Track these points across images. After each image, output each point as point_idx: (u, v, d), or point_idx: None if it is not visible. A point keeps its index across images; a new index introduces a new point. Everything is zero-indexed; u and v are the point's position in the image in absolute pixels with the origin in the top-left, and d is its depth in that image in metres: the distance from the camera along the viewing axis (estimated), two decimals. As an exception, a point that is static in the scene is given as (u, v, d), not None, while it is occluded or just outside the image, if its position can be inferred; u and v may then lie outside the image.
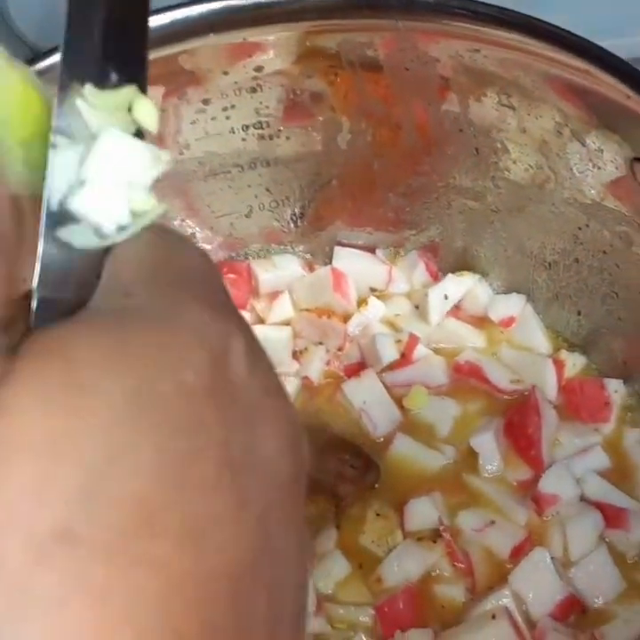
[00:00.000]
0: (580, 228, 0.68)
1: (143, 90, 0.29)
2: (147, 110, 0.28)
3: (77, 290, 0.26)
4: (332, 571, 0.63)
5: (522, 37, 0.59)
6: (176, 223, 0.77)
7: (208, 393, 0.22)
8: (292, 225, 0.79)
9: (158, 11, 0.61)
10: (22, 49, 0.76)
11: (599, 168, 0.64)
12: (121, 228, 0.27)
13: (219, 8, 0.62)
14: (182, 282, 0.25)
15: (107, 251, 0.27)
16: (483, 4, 0.59)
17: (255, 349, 0.24)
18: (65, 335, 0.22)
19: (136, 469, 0.20)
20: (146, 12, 0.28)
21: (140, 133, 0.29)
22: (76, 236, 0.27)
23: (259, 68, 0.68)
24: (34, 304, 0.27)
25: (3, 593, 0.19)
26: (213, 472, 0.22)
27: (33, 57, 0.60)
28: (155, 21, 0.61)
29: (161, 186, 0.76)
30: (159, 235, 0.26)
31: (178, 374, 0.22)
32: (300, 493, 0.25)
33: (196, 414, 0.22)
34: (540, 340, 0.73)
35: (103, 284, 0.25)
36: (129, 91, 0.28)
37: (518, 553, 0.62)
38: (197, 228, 0.78)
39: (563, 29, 0.58)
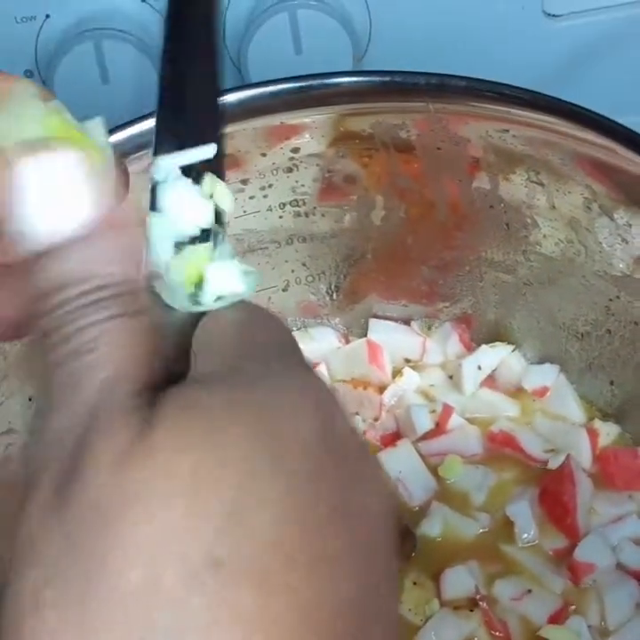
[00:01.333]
0: (610, 300, 0.70)
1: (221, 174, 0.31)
2: (224, 193, 0.31)
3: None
4: (371, 640, 0.64)
5: (549, 118, 0.62)
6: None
7: (322, 446, 0.24)
8: (327, 298, 0.81)
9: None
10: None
11: (628, 242, 0.66)
12: (217, 299, 0.28)
13: (256, 94, 0.65)
14: (278, 353, 0.26)
15: (195, 320, 0.28)
16: (511, 86, 0.61)
17: (346, 412, 0.26)
18: (198, 390, 0.24)
19: (274, 505, 0.22)
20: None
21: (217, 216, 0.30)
22: (173, 298, 0.29)
23: (295, 150, 0.70)
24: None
25: (158, 613, 0.21)
26: (326, 513, 0.23)
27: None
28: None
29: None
30: (244, 308, 0.28)
31: (300, 431, 0.24)
32: (394, 545, 0.26)
33: (316, 464, 0.24)
34: (574, 410, 0.74)
35: (202, 352, 0.27)
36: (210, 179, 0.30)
37: (555, 621, 0.63)
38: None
39: (590, 110, 0.61)
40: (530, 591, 0.64)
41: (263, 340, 0.27)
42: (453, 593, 0.65)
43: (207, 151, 0.32)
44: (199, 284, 0.29)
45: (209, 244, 0.30)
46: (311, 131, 0.69)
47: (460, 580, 0.65)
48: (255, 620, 0.21)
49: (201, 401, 0.23)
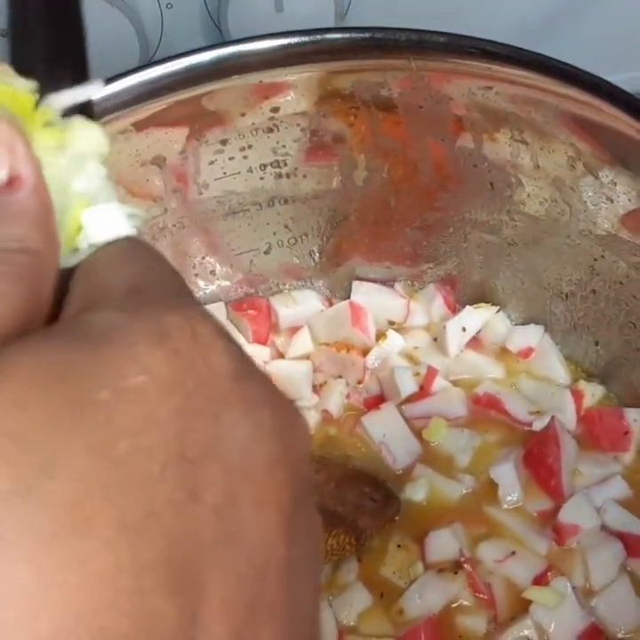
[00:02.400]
0: (595, 260, 0.69)
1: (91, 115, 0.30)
2: (97, 134, 0.29)
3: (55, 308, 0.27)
4: (354, 602, 0.64)
5: (532, 74, 0.61)
6: (197, 260, 0.78)
7: (164, 390, 0.22)
8: (310, 261, 0.80)
9: (176, 56, 0.63)
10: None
11: (613, 201, 0.65)
12: (92, 244, 0.28)
13: (234, 52, 0.64)
14: (140, 289, 0.25)
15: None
16: (492, 42, 0.60)
17: (223, 337, 0.24)
18: (13, 360, 0.23)
19: (67, 473, 0.21)
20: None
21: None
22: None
23: (275, 109, 0.69)
24: None
25: None
26: (158, 468, 0.22)
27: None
28: (173, 66, 0.63)
29: (182, 224, 0.78)
30: (117, 247, 0.27)
31: (121, 380, 0.22)
32: (289, 477, 0.24)
33: (143, 414, 0.22)
34: (559, 371, 0.74)
35: (67, 299, 0.26)
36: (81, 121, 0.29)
37: (539, 583, 0.63)
38: (218, 265, 0.79)
39: (573, 66, 0.59)
40: (514, 553, 0.64)
41: (122, 274, 0.26)
42: (437, 555, 0.65)
43: (94, 89, 0.31)
44: (79, 233, 0.28)
45: (83, 191, 0.29)
46: (291, 89, 0.68)
47: (444, 543, 0.65)
48: (34, 594, 0.20)
49: (5, 366, 0.22)
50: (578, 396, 0.71)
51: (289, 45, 0.62)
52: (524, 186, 0.69)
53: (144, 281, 0.26)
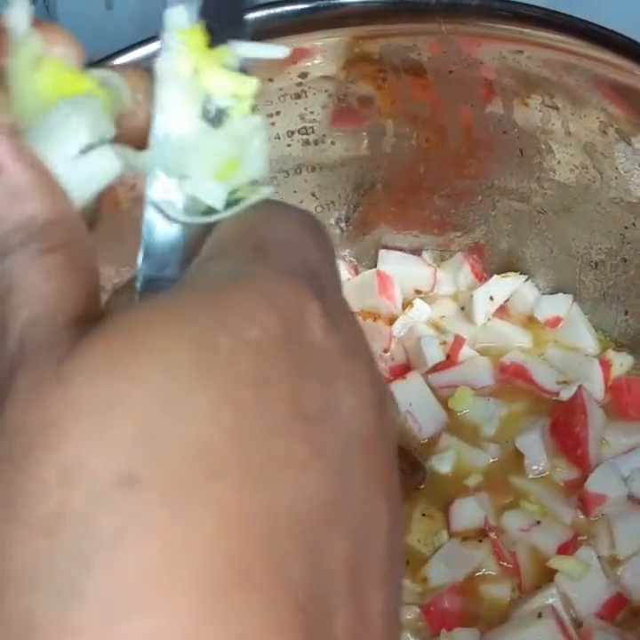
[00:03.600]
0: (626, 228, 0.68)
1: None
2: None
3: (181, 269, 0.27)
4: (379, 570, 0.64)
5: (565, 38, 0.60)
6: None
7: (277, 350, 0.23)
8: (337, 229, 0.80)
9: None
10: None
11: (644, 167, 0.64)
12: (229, 205, 0.27)
13: (262, 16, 0.63)
14: (265, 251, 0.25)
15: (212, 226, 0.27)
16: (525, 5, 0.59)
17: (335, 314, 0.24)
18: (132, 310, 0.23)
19: (194, 416, 0.21)
20: None
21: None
22: (182, 212, 0.27)
23: (303, 75, 0.69)
24: (138, 284, 0.27)
25: (66, 537, 0.20)
26: (281, 420, 0.22)
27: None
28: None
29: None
30: (260, 208, 0.27)
31: (240, 331, 0.22)
32: (385, 454, 0.25)
33: (262, 367, 0.22)
34: (587, 340, 0.73)
35: (196, 259, 0.26)
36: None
37: (565, 552, 0.62)
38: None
39: (606, 29, 0.59)
40: (539, 522, 0.64)
41: (251, 234, 0.25)
42: (462, 524, 0.65)
43: (280, 52, 0.30)
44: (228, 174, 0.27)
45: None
46: (319, 54, 0.67)
47: (469, 512, 0.65)
48: (173, 533, 0.20)
49: (127, 319, 0.22)
50: (606, 365, 0.70)
51: (317, 9, 0.62)
52: (555, 153, 0.68)
53: (273, 244, 0.25)
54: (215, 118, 0.28)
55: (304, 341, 0.23)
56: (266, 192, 0.27)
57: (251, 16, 0.64)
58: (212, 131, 0.28)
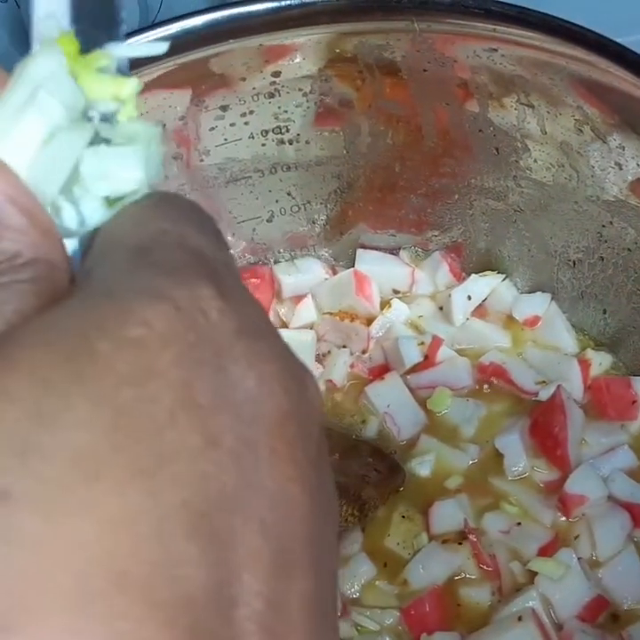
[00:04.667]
0: (603, 226, 0.68)
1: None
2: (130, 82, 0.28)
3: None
4: (358, 573, 0.63)
5: (539, 35, 0.59)
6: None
7: (164, 342, 0.22)
8: (314, 229, 0.79)
9: (173, 19, 0.61)
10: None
11: (621, 166, 0.63)
12: (107, 210, 0.26)
13: (234, 14, 0.62)
14: (147, 249, 0.25)
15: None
16: (498, 2, 0.59)
17: (231, 294, 0.24)
18: (9, 334, 0.23)
19: (70, 424, 0.21)
20: None
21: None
22: (66, 220, 0.27)
23: (276, 74, 0.68)
24: None
25: None
26: (168, 413, 0.21)
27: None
28: (170, 29, 0.61)
29: (183, 191, 0.76)
30: (139, 204, 0.26)
31: (121, 332, 0.22)
32: (301, 435, 0.24)
33: (144, 363, 0.22)
34: (566, 339, 0.73)
35: (80, 267, 0.26)
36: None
37: (545, 554, 0.62)
38: (227, 233, 0.78)
39: (580, 26, 0.58)
40: (519, 524, 0.64)
41: (129, 234, 0.25)
42: (442, 526, 0.64)
43: (158, 48, 0.29)
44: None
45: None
46: (292, 53, 0.66)
47: (448, 514, 0.65)
48: (47, 544, 0.20)
49: (1, 341, 0.22)
50: (585, 364, 0.70)
51: (289, 7, 0.61)
52: (531, 151, 0.68)
53: (158, 241, 0.25)
54: (102, 124, 0.27)
55: (198, 328, 0.23)
56: (141, 191, 0.26)
57: (222, 14, 0.63)
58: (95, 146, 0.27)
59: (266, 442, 0.23)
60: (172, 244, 0.25)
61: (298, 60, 0.66)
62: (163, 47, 0.29)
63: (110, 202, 0.27)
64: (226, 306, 0.23)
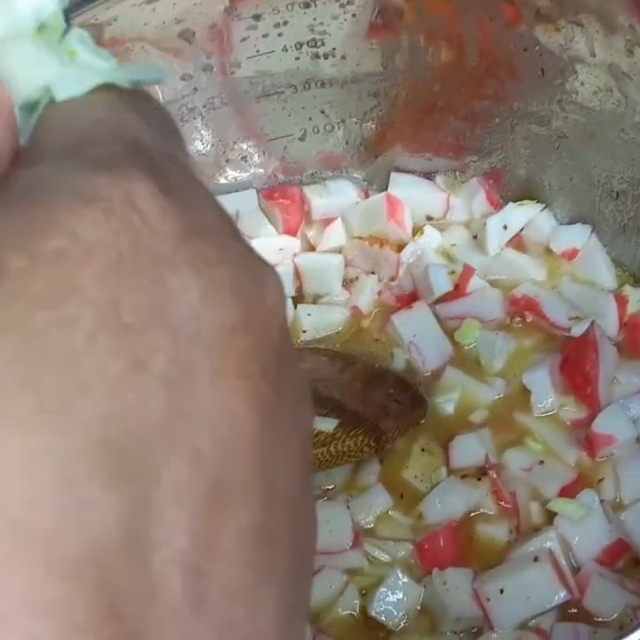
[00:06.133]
0: (650, 156, 0.64)
1: None
2: None
3: None
4: (373, 504, 0.62)
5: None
6: (228, 145, 0.75)
7: (89, 252, 0.20)
8: (348, 149, 0.76)
9: None
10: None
11: (672, 91, 0.60)
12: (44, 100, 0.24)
13: None
14: (80, 144, 0.22)
15: None
16: None
17: (174, 191, 0.21)
18: None
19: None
20: None
21: None
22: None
23: (310, -19, 0.65)
24: None
25: None
26: (86, 338, 0.19)
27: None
28: None
29: (213, 105, 0.74)
30: (77, 99, 0.24)
31: (37, 245, 0.20)
32: (260, 352, 0.21)
33: (63, 280, 0.19)
34: (605, 274, 0.69)
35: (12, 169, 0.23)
36: None
37: (567, 495, 0.60)
38: (250, 151, 0.76)
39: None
40: (542, 462, 0.61)
41: (77, 128, 0.22)
42: (462, 461, 0.62)
43: None
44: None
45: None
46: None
47: (470, 448, 0.63)
48: None
49: None
50: (622, 301, 0.67)
51: None
52: (578, 73, 0.64)
53: (92, 133, 0.22)
54: None
55: (132, 233, 0.20)
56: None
57: None
58: None
59: (210, 359, 0.21)
60: (109, 135, 0.22)
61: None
62: None
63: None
64: (169, 205, 0.21)
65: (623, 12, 0.58)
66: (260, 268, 0.22)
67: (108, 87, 0.24)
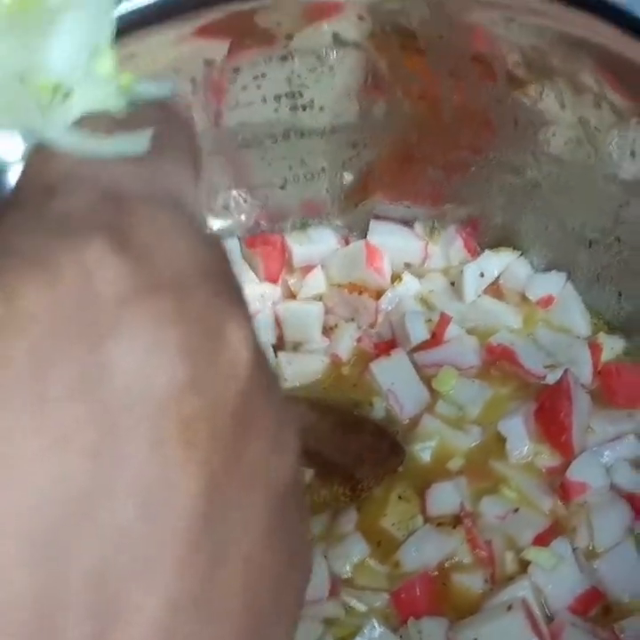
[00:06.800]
0: (620, 206, 0.65)
1: None
2: None
3: None
4: (351, 553, 0.62)
5: (556, 5, 0.56)
6: (211, 193, 0.76)
7: (23, 322, 0.20)
8: (328, 198, 0.77)
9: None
10: None
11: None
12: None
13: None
14: (50, 190, 0.22)
15: None
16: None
17: (134, 244, 0.21)
18: None
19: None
20: None
21: None
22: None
23: (288, 37, 0.66)
24: None
25: None
26: (7, 416, 0.19)
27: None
28: None
29: (205, 154, 0.75)
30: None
31: None
32: (204, 404, 0.21)
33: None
34: (579, 322, 0.70)
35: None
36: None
37: (541, 542, 0.60)
38: (232, 200, 0.77)
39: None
40: (516, 510, 0.62)
41: (55, 173, 0.22)
42: (438, 509, 0.63)
43: None
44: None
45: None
46: (303, 15, 0.64)
47: (445, 496, 0.63)
48: None
49: None
50: (596, 348, 0.68)
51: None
52: (549, 125, 0.65)
53: (66, 181, 0.22)
54: None
55: (76, 299, 0.20)
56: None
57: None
58: None
59: (149, 427, 0.20)
60: (81, 182, 0.22)
61: (303, 23, 0.64)
62: None
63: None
64: (123, 263, 0.21)
65: (589, 67, 0.59)
66: (222, 323, 0.22)
67: (97, 119, 0.24)
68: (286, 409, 0.24)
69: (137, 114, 0.25)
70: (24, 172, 0.24)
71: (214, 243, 0.23)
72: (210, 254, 0.22)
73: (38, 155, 0.24)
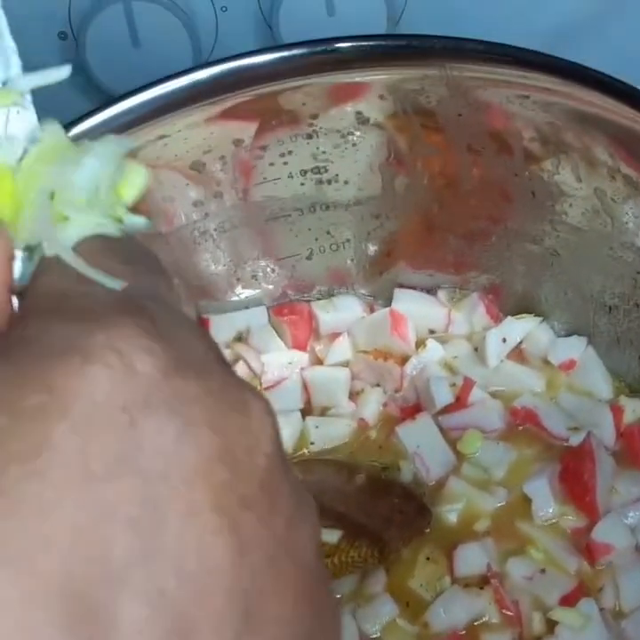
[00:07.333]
0: (638, 273, 0.67)
1: None
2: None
3: None
4: (380, 613, 0.63)
5: (569, 84, 0.59)
6: (239, 264, 0.79)
7: (64, 406, 0.21)
8: (353, 267, 0.80)
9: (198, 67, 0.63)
10: (99, 96, 0.80)
11: (654, 213, 0.63)
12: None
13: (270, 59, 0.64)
14: (66, 299, 0.24)
15: None
16: (527, 50, 0.59)
17: (159, 328, 0.23)
18: None
19: None
20: None
21: None
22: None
23: (313, 116, 0.69)
24: None
25: None
26: (53, 494, 0.21)
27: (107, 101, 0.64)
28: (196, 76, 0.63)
29: (224, 228, 0.78)
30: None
31: (20, 401, 0.21)
32: (233, 475, 0.22)
33: (37, 436, 0.21)
34: (601, 384, 0.72)
35: (16, 312, 0.25)
36: None
37: (567, 603, 0.61)
38: (260, 270, 0.79)
39: (610, 76, 0.58)
40: (543, 571, 0.63)
41: (66, 285, 0.24)
42: (465, 570, 0.64)
43: (63, 72, 0.29)
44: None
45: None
46: (325, 97, 0.67)
47: (473, 557, 0.64)
48: None
49: None
50: (618, 411, 0.69)
51: (313, 53, 0.62)
52: (566, 196, 0.68)
53: (78, 285, 0.24)
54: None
55: (110, 378, 0.22)
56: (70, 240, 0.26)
57: (265, 57, 0.65)
58: None
59: (183, 496, 0.22)
60: (93, 284, 0.24)
61: (326, 102, 0.67)
62: (65, 71, 0.29)
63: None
64: (154, 342, 0.22)
65: (601, 141, 0.62)
66: (243, 397, 0.23)
67: (93, 237, 0.27)
68: (299, 481, 0.26)
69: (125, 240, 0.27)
70: (34, 282, 0.26)
71: (207, 331, 0.26)
72: (211, 340, 0.25)
73: (47, 265, 0.26)
